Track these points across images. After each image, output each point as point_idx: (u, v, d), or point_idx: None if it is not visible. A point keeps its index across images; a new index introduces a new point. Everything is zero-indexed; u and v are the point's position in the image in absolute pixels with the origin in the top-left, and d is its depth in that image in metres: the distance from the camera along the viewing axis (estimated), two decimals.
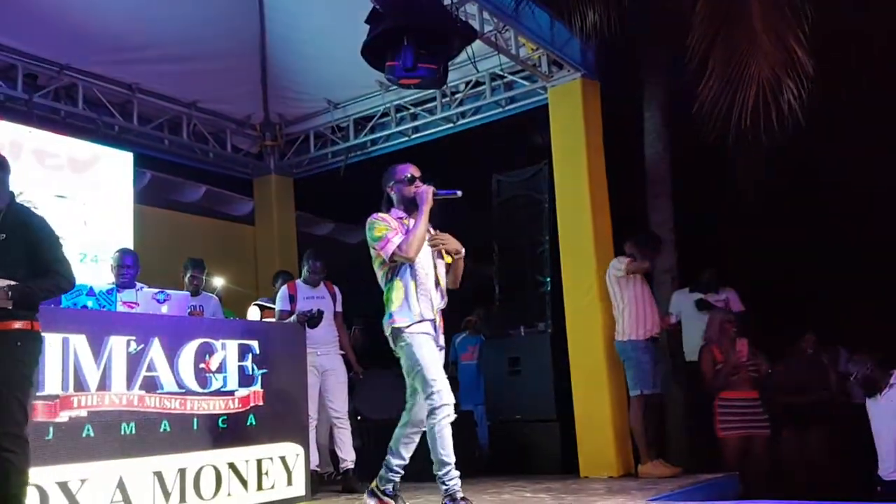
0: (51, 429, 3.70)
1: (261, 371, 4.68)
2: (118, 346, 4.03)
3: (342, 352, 5.69)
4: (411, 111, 7.56)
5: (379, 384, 6.21)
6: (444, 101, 7.34)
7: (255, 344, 4.70)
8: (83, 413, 3.82)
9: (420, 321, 3.72)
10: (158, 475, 4.06)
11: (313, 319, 5.29)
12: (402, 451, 3.86)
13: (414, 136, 7.64)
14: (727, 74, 5.52)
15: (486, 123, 7.36)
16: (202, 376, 4.38)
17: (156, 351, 4.19)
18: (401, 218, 3.84)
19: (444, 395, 3.61)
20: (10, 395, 3.17)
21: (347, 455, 5.49)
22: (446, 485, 3.59)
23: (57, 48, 6.41)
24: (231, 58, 7.23)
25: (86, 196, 6.72)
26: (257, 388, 4.64)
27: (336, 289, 5.77)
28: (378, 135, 7.82)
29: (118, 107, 7.06)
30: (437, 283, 3.86)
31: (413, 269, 3.77)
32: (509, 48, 6.19)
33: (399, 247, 3.69)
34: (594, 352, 6.00)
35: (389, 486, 3.90)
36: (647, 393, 5.58)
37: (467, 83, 7.15)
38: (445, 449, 3.58)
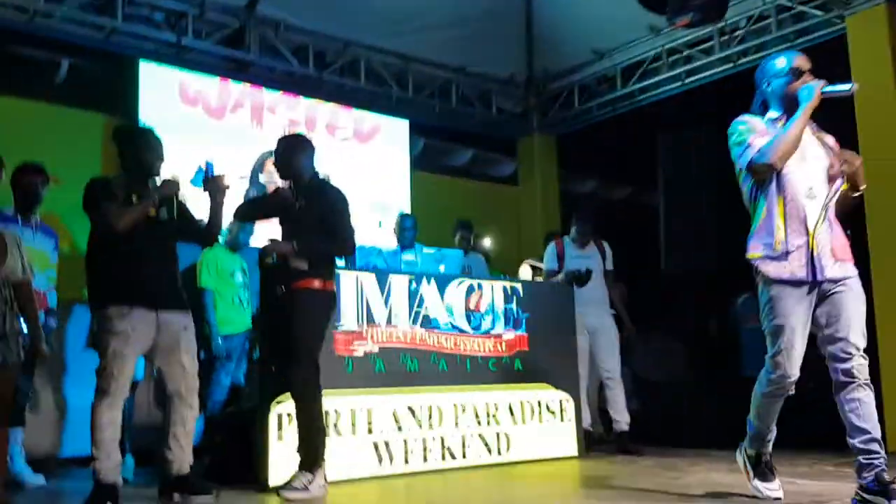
0: (350, 362, 4.16)
1: (525, 315, 4.83)
2: (400, 284, 4.42)
3: (614, 311, 5.55)
4: (685, 54, 7.08)
5: (655, 343, 5.99)
6: (722, 39, 6.76)
7: (519, 287, 4.91)
8: (375, 348, 4.25)
9: (783, 254, 2.91)
10: (433, 408, 4.39)
11: (581, 278, 5.22)
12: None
13: (688, 81, 7.16)
14: None
15: None
16: (471, 317, 4.64)
17: (430, 291, 4.53)
18: (775, 119, 3.04)
19: (787, 366, 2.92)
20: (305, 347, 3.54)
21: (621, 416, 5.38)
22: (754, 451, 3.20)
23: (341, 26, 6.92)
24: (496, 18, 7.27)
25: (369, 164, 7.29)
26: (522, 332, 4.81)
27: (606, 246, 5.63)
28: (647, 82, 7.43)
29: (394, 77, 7.48)
30: (822, 205, 2.94)
31: (782, 183, 2.94)
32: None
33: (760, 151, 2.91)
34: None
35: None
36: None
37: (749, 18, 6.51)
38: (761, 419, 3.10)
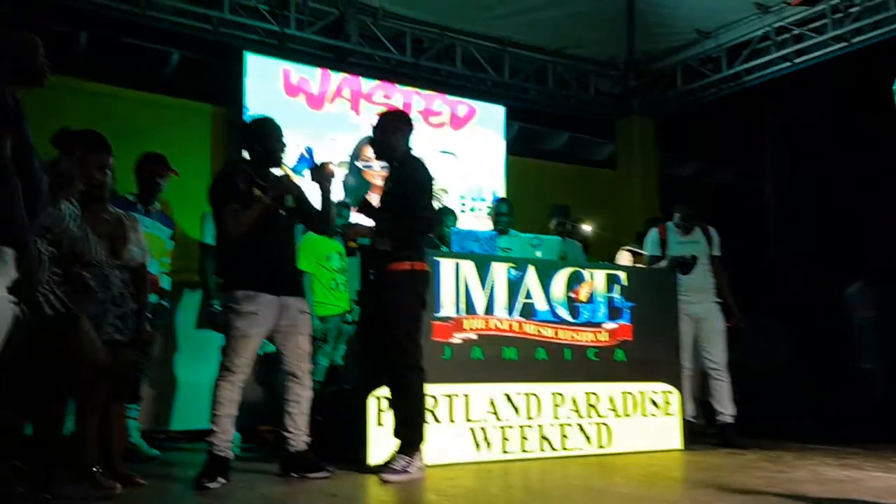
0: (448, 349, 4.13)
1: (629, 304, 4.70)
2: (500, 271, 4.35)
3: (719, 299, 5.34)
4: (795, 33, 6.74)
5: (763, 333, 5.74)
6: (835, 17, 6.40)
7: (622, 276, 4.76)
8: (473, 336, 4.21)
9: None
10: (531, 397, 4.32)
11: (686, 265, 5.05)
12: None
13: (797, 61, 6.81)
14: None
15: (887, 40, 6.26)
16: (573, 306, 4.53)
17: (531, 278, 4.44)
18: None
19: None
20: (402, 330, 3.56)
21: (725, 408, 5.18)
22: None
23: (438, 11, 6.94)
24: None
25: (464, 150, 7.29)
26: (625, 322, 4.67)
27: (713, 231, 5.41)
28: (754, 63, 7.12)
29: (490, 62, 7.44)
30: None
31: None
32: None
33: None
34: None
35: None
36: None
37: None
38: None
